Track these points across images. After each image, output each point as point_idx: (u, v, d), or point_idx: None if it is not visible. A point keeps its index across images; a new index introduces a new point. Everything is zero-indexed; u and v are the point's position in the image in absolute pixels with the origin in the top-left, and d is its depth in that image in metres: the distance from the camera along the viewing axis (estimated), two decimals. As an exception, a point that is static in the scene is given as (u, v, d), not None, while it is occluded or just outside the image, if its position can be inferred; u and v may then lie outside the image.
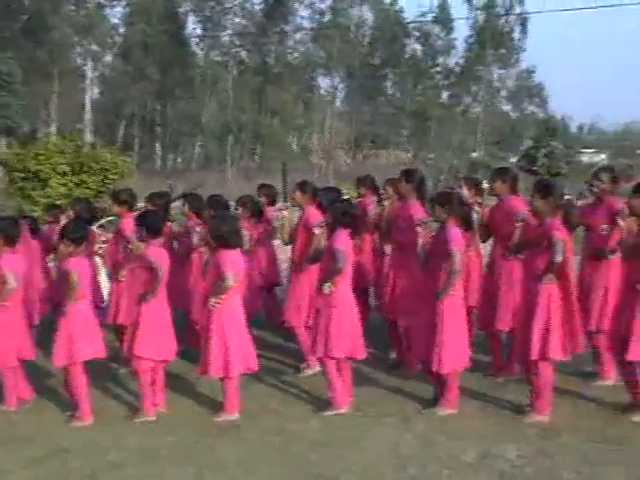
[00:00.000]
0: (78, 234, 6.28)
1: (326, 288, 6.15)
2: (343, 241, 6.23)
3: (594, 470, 5.12)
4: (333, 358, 6.24)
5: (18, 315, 6.49)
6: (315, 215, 7.38)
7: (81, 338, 6.12)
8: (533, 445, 5.56)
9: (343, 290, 6.22)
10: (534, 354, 5.96)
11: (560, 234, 5.85)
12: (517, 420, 6.08)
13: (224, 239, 6.14)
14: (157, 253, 6.28)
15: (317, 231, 7.03)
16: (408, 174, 7.39)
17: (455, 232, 6.09)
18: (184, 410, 6.43)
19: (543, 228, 5.99)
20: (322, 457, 5.39)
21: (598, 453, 5.41)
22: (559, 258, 5.81)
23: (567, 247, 5.93)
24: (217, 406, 6.39)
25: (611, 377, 6.90)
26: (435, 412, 6.21)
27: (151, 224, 6.37)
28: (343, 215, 6.32)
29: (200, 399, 6.71)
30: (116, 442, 5.71)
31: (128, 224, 7.43)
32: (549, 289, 5.93)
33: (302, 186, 7.70)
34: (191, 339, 8.07)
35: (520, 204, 6.88)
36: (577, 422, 6.02)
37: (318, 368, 7.14)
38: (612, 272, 6.66)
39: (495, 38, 59.08)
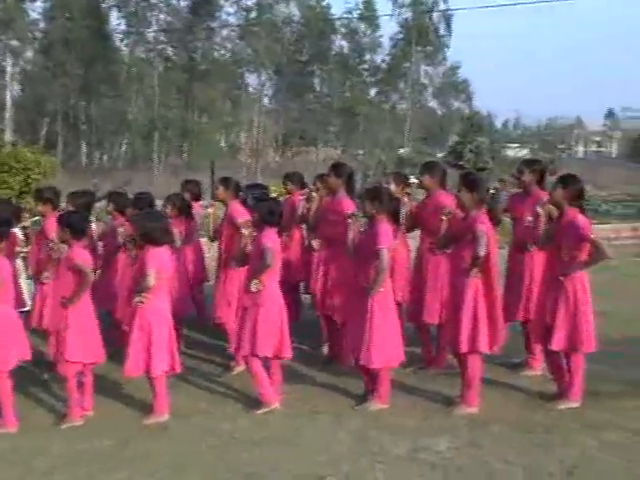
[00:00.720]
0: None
1: (253, 286, 6.10)
2: (271, 239, 6.20)
3: (523, 458, 5.21)
4: (259, 357, 6.21)
5: None
6: (239, 211, 7.35)
7: (6, 344, 5.94)
8: (463, 436, 5.64)
9: (271, 288, 6.19)
10: (463, 347, 6.04)
11: (484, 227, 5.94)
12: (448, 412, 6.16)
13: (151, 236, 6.05)
14: (83, 255, 6.14)
15: (245, 232, 6.98)
16: (337, 168, 7.39)
17: (384, 228, 6.11)
18: (113, 413, 6.30)
19: (468, 221, 6.08)
20: (253, 456, 5.35)
21: (526, 442, 5.51)
22: (482, 252, 5.90)
23: (491, 240, 6.03)
24: (146, 408, 6.28)
25: (538, 367, 7.05)
26: (367, 407, 6.23)
27: (75, 225, 6.21)
28: (269, 214, 6.28)
29: (129, 401, 6.58)
30: (42, 448, 5.56)
31: (52, 224, 7.24)
32: (475, 282, 6.01)
33: (225, 182, 7.69)
34: (118, 340, 7.98)
35: (448, 199, 6.95)
36: (505, 412, 6.13)
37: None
38: (536, 263, 6.79)
39: (421, 35, 59.79)
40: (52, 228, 7.13)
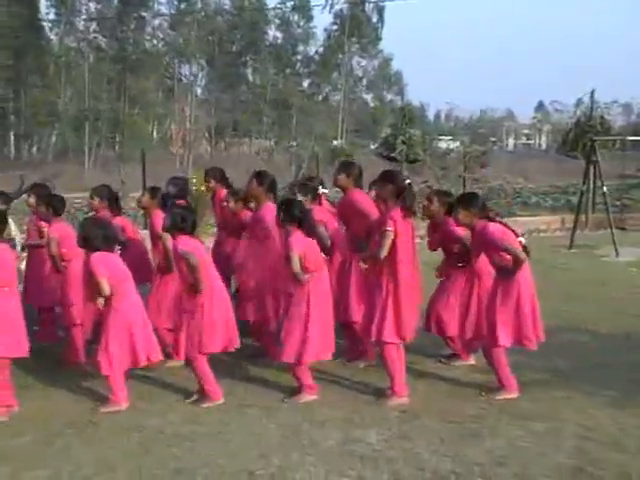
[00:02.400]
0: None
1: (193, 294, 6.13)
2: (187, 243, 6.16)
3: (452, 448, 5.27)
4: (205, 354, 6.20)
5: None
6: (159, 221, 7.29)
7: None
8: (394, 428, 5.68)
9: (210, 287, 6.16)
10: (372, 335, 6.19)
11: (392, 224, 6.04)
12: (378, 404, 6.20)
13: (92, 243, 6.13)
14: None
15: (166, 242, 6.94)
16: (259, 176, 7.33)
17: (294, 237, 6.18)
18: (36, 409, 6.14)
19: (384, 215, 6.19)
20: (183, 451, 5.29)
21: (455, 433, 5.58)
22: (382, 253, 6.05)
23: (407, 233, 6.13)
24: (72, 404, 6.21)
25: (469, 359, 7.16)
26: (297, 400, 6.23)
27: None
28: (182, 221, 6.24)
29: (53, 397, 6.45)
30: (-37, 448, 5.40)
31: None
32: (384, 275, 6.14)
33: (152, 191, 7.68)
34: (44, 335, 7.82)
35: (361, 197, 7.02)
36: (435, 403, 6.20)
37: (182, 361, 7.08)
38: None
39: (355, 26, 60.00)
40: None
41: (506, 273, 6.16)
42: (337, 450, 5.29)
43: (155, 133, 61.56)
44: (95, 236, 6.15)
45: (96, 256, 6.09)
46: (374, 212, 6.81)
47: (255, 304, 7.16)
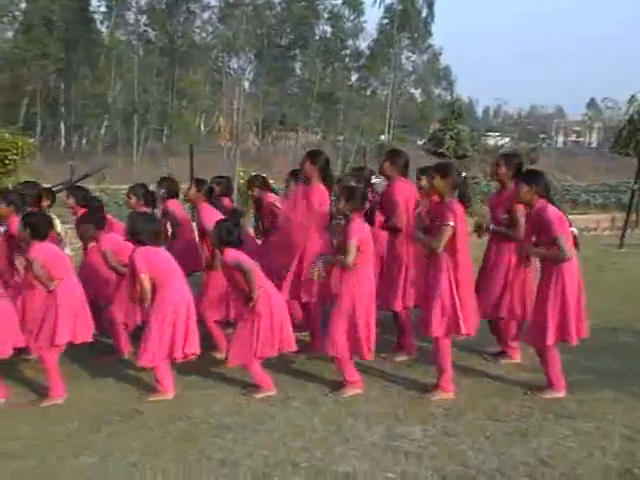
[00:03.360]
0: None
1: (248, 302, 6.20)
2: (235, 254, 6.22)
3: (497, 447, 5.21)
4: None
5: None
6: (207, 216, 7.35)
7: (4, 333, 6.01)
8: (438, 424, 5.63)
9: (265, 292, 6.21)
10: (429, 329, 6.11)
11: (453, 217, 5.95)
12: (422, 400, 6.15)
13: (139, 237, 6.14)
14: (40, 249, 6.12)
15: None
16: (312, 155, 7.32)
17: (355, 225, 6.14)
18: (84, 398, 6.23)
19: (441, 207, 6.10)
20: (227, 442, 5.31)
21: (501, 431, 5.51)
22: (440, 246, 5.98)
23: (465, 227, 6.05)
24: (120, 392, 6.30)
25: (516, 356, 7.07)
26: (341, 394, 6.22)
27: (36, 226, 6.22)
28: (228, 234, 6.27)
29: (101, 386, 6.53)
30: (11, 432, 5.49)
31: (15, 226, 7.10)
32: (447, 267, 6.04)
33: (198, 183, 7.69)
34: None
35: (405, 187, 6.98)
36: (481, 401, 6.13)
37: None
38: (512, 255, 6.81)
39: (408, 21, 59.63)
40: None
41: (553, 262, 6.04)
42: (381, 445, 5.26)
43: (202, 126, 62.00)
44: (141, 230, 6.17)
45: (140, 251, 6.10)
46: (401, 206, 6.81)
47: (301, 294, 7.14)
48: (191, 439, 5.37)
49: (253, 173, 11.41)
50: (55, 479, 4.74)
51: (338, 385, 6.36)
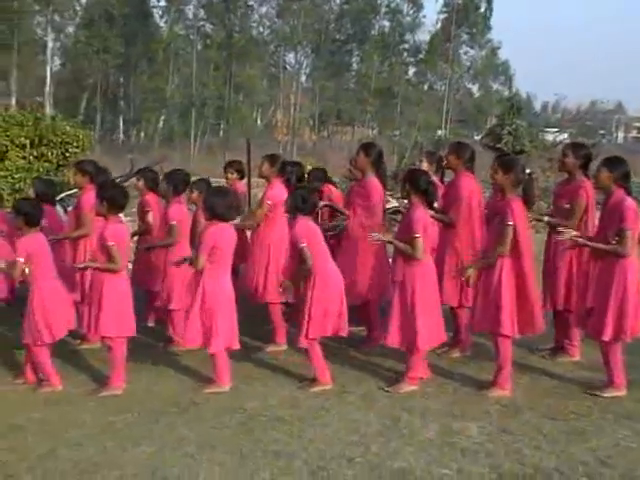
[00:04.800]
0: (33, 213, 6.23)
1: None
2: (302, 227, 6.16)
3: (555, 446, 5.13)
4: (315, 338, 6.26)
5: None
6: (278, 188, 7.32)
7: (57, 316, 6.17)
8: (494, 422, 5.56)
9: (323, 271, 6.20)
10: (485, 328, 6.07)
11: (512, 216, 5.86)
12: (478, 396, 6.09)
13: (215, 212, 6.09)
14: (114, 232, 6.15)
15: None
16: (366, 147, 7.30)
17: (418, 215, 6.05)
18: (143, 388, 6.32)
19: (503, 203, 6.00)
20: (282, 434, 5.33)
21: (558, 430, 5.43)
22: (504, 249, 5.88)
23: (523, 224, 5.94)
24: (178, 384, 6.37)
25: (576, 354, 6.96)
26: (397, 389, 6.20)
27: (113, 199, 6.23)
28: (303, 202, 6.19)
29: (159, 376, 6.62)
30: (73, 419, 5.60)
31: (87, 199, 7.28)
32: (504, 265, 5.95)
33: (271, 159, 7.59)
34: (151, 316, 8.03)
35: (470, 182, 6.89)
36: (538, 399, 6.04)
37: (284, 346, 7.15)
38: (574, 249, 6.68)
39: (467, 16, 59.02)
40: (88, 202, 7.17)
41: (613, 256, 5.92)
42: (437, 441, 5.22)
43: (259, 120, 62.33)
44: (217, 205, 6.10)
45: (214, 226, 6.09)
46: (464, 201, 6.75)
47: (357, 288, 7.13)
48: (247, 431, 5.40)
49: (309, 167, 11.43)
50: (115, 468, 4.81)
51: (394, 380, 6.33)
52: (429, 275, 6.15)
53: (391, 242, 6.27)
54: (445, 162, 7.22)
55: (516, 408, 5.83)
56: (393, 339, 6.18)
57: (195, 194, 7.44)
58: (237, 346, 6.34)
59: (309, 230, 6.17)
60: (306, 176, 8.17)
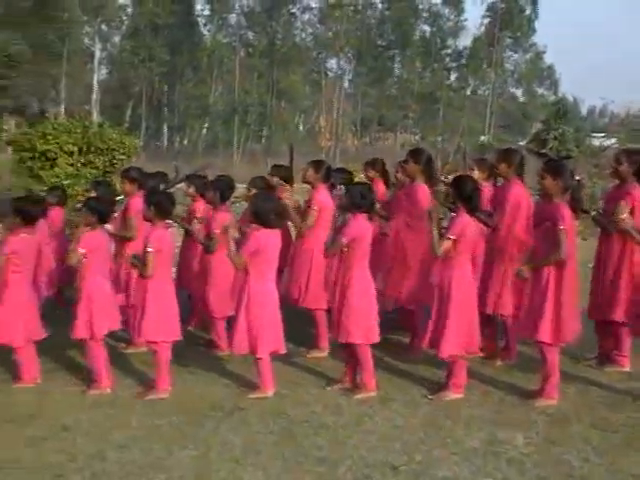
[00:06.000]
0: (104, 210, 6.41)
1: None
2: (358, 226, 6.15)
3: (604, 458, 5.05)
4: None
5: (28, 295, 6.47)
6: (323, 195, 7.33)
7: (100, 313, 6.26)
8: (540, 432, 5.50)
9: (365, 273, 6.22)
10: (530, 335, 5.99)
11: (565, 219, 5.78)
12: (523, 406, 6.03)
13: (262, 217, 6.11)
14: (160, 237, 6.22)
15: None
16: (415, 154, 7.28)
17: (462, 219, 6.01)
18: (188, 392, 6.36)
19: (551, 209, 5.94)
20: (326, 441, 5.34)
21: (607, 441, 5.35)
22: (562, 254, 5.79)
23: (571, 230, 5.88)
24: (224, 389, 6.42)
25: (625, 364, 6.84)
26: (441, 397, 6.16)
27: (160, 204, 6.31)
28: (362, 198, 6.16)
29: (203, 381, 6.66)
30: (119, 422, 5.66)
31: (134, 203, 7.39)
32: (552, 272, 5.87)
33: (316, 165, 7.53)
34: (195, 320, 8.10)
35: (519, 189, 6.81)
36: (586, 409, 5.97)
37: (326, 352, 7.16)
38: (625, 255, 6.59)
39: (511, 20, 58.51)
40: (136, 207, 7.27)
41: None
42: (482, 450, 5.18)
43: (301, 126, 62.51)
44: (265, 211, 6.12)
45: (260, 231, 6.10)
46: (511, 208, 6.67)
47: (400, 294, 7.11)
48: (290, 437, 5.42)
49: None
50: (161, 470, 4.86)
51: (438, 387, 6.30)
52: (465, 280, 6.10)
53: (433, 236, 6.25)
54: (495, 169, 7.16)
55: (563, 418, 5.76)
56: (424, 342, 6.16)
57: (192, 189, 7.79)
58: (283, 350, 6.37)
59: (364, 228, 6.17)
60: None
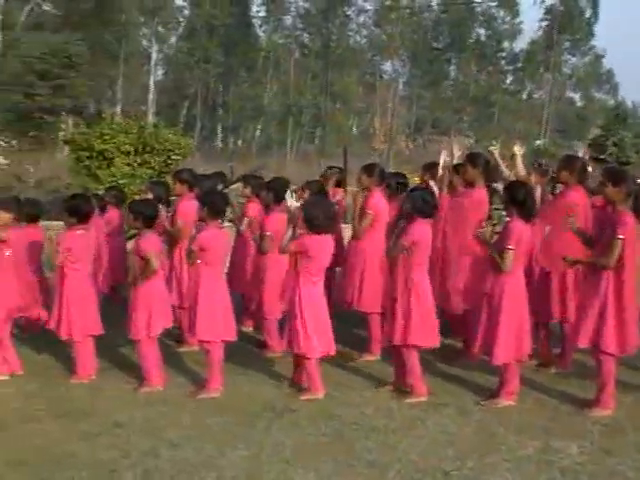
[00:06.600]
0: (151, 214, 6.46)
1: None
2: (420, 231, 6.14)
3: (660, 470, 4.96)
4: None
5: (86, 290, 6.58)
6: (378, 198, 7.31)
7: (156, 312, 6.34)
8: (595, 442, 5.41)
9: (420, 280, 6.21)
10: (588, 343, 5.89)
11: (623, 229, 5.67)
12: (578, 415, 5.94)
13: (312, 223, 6.13)
14: (209, 237, 6.27)
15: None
16: (473, 158, 7.22)
17: (514, 227, 5.94)
18: (239, 392, 6.40)
19: (613, 217, 5.82)
20: (376, 444, 5.33)
21: (664, 452, 5.24)
22: (611, 262, 5.70)
23: (631, 238, 5.75)
24: (274, 389, 6.45)
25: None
26: (494, 404, 6.09)
27: (214, 205, 6.37)
28: (423, 203, 6.16)
29: (255, 381, 6.70)
30: (172, 421, 5.72)
31: (184, 204, 7.47)
32: (608, 280, 5.77)
33: (369, 169, 7.49)
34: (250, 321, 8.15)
35: (580, 196, 6.70)
36: (641, 419, 5.84)
37: (378, 356, 7.14)
38: None
39: (570, 22, 57.65)
40: (185, 209, 7.35)
41: None
42: (535, 459, 5.11)
43: (355, 128, 62.45)
44: (315, 216, 6.14)
45: (311, 238, 6.13)
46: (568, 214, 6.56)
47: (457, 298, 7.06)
48: (341, 440, 5.42)
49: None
50: (212, 469, 4.90)
51: (491, 394, 6.23)
52: (517, 289, 6.02)
53: (488, 245, 6.17)
54: (556, 176, 7.06)
55: (619, 428, 5.65)
56: (476, 348, 6.10)
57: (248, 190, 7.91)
58: (333, 352, 6.38)
59: (424, 233, 6.15)
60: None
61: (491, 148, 7.64)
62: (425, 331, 6.16)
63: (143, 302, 6.33)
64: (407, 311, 6.11)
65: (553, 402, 6.24)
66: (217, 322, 6.29)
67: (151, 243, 6.36)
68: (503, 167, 7.46)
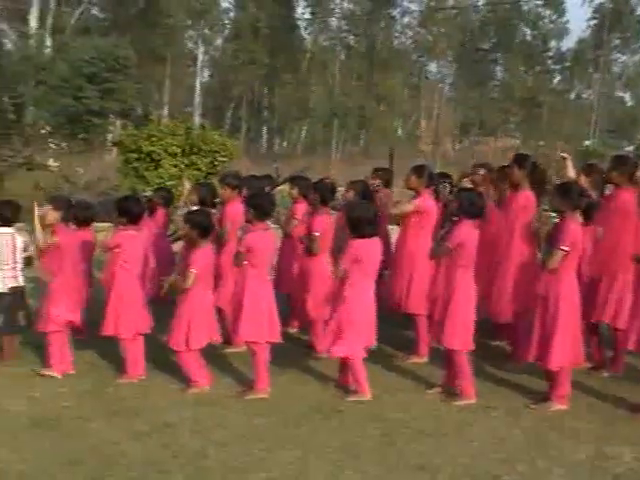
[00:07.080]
0: (203, 222, 6.42)
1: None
2: (465, 232, 6.09)
3: None
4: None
5: (135, 289, 6.64)
6: (427, 199, 7.27)
7: (196, 327, 6.30)
8: (650, 448, 5.30)
9: (464, 279, 6.13)
10: (636, 346, 5.84)
11: None
12: (632, 420, 5.83)
13: (356, 226, 6.11)
14: (255, 239, 6.27)
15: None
16: (520, 160, 7.13)
17: (569, 228, 5.83)
18: (286, 393, 6.41)
19: None
20: (425, 447, 5.29)
21: None
22: None
23: None
24: (321, 390, 6.44)
25: None
26: (545, 408, 6.00)
27: (260, 206, 6.37)
28: (470, 205, 6.11)
29: (301, 382, 6.70)
30: (220, 421, 5.74)
31: (231, 209, 7.49)
32: None
33: (418, 170, 7.41)
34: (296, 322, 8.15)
35: (631, 197, 6.57)
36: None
37: (426, 358, 7.07)
38: None
39: (620, 21, 56.72)
40: (232, 211, 7.37)
41: None
42: (587, 464, 5.03)
43: (400, 130, 62.23)
44: (358, 220, 6.13)
45: (358, 242, 6.11)
46: (620, 216, 6.48)
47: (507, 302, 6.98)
48: (390, 442, 5.39)
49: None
50: (261, 470, 4.90)
51: (541, 397, 6.15)
52: (572, 291, 5.92)
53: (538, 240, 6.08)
54: (606, 177, 6.94)
55: (674, 434, 5.53)
56: (529, 354, 6.00)
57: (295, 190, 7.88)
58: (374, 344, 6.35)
59: (470, 235, 6.09)
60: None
61: (564, 154, 7.54)
62: (465, 334, 6.10)
63: (184, 314, 6.31)
64: (450, 314, 6.05)
65: (605, 406, 6.14)
66: (261, 323, 6.29)
67: (198, 258, 6.28)
68: (573, 173, 7.33)
